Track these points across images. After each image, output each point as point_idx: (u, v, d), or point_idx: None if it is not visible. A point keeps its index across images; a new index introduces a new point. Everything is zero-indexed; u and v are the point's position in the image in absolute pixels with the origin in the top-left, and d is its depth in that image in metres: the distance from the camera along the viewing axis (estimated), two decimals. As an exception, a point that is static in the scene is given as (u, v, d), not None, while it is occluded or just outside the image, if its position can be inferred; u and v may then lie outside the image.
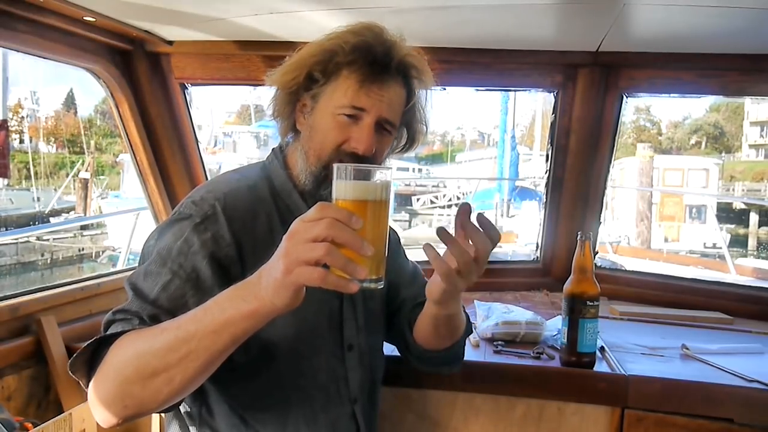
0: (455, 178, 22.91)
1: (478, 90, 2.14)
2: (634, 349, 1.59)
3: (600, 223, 2.19)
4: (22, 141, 23.28)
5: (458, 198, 19.74)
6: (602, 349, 1.53)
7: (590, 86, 1.95)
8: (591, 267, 1.38)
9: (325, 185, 1.05)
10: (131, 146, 2.08)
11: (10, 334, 1.54)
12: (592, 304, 1.35)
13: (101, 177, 20.17)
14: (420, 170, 28.05)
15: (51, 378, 1.58)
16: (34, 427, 1.33)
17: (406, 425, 1.48)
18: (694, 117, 38.26)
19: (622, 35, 1.72)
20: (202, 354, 0.80)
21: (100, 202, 15.79)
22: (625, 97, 1.99)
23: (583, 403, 1.41)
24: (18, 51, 1.60)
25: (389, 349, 1.41)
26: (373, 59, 1.02)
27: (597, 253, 2.40)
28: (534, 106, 18.76)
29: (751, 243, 21.08)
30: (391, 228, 0.92)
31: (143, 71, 1.96)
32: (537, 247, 2.32)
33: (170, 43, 1.93)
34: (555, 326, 1.60)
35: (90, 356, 0.88)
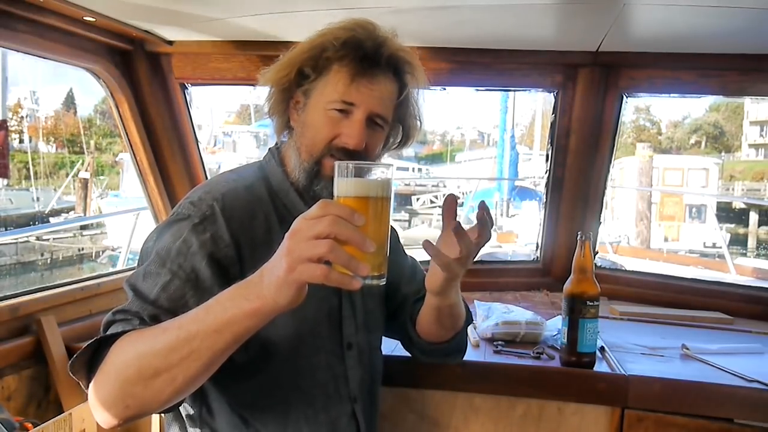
0: (455, 178, 22.90)
1: (477, 90, 2.14)
2: (634, 349, 1.59)
3: (600, 223, 2.19)
4: (21, 141, 23.24)
5: (458, 198, 19.71)
6: (602, 349, 1.53)
7: (590, 86, 1.95)
8: (591, 267, 1.38)
9: (317, 180, 1.06)
10: (131, 146, 2.08)
11: (10, 334, 1.54)
12: (592, 304, 1.35)
13: (101, 177, 20.16)
14: (420, 170, 28.05)
15: (51, 378, 1.58)
16: (34, 427, 1.33)
17: (406, 425, 1.48)
18: (694, 116, 38.29)
19: (622, 35, 1.72)
20: (204, 353, 0.80)
21: (99, 202, 15.77)
22: (625, 97, 1.99)
23: (583, 403, 1.41)
24: (18, 51, 1.60)
25: (389, 349, 1.41)
26: (363, 54, 1.03)
27: (597, 253, 2.40)
28: (534, 106, 18.78)
29: (751, 242, 21.09)
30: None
31: (143, 71, 1.96)
32: (537, 247, 2.32)
33: (170, 43, 1.93)
34: (555, 326, 1.60)
35: (90, 357, 0.88)
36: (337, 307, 1.12)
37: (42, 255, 14.45)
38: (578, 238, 1.38)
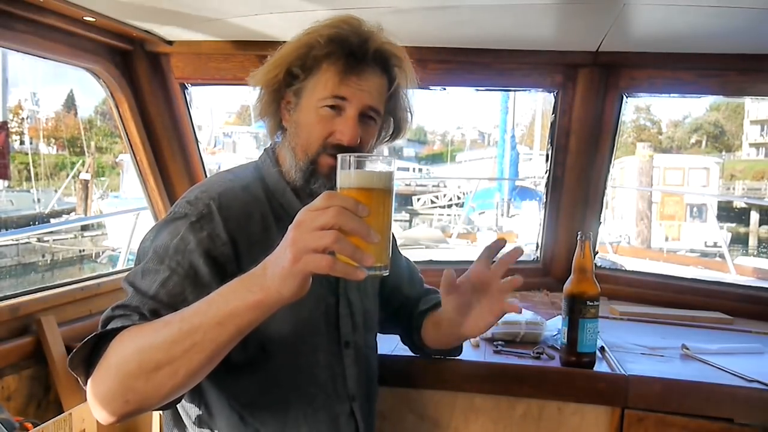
0: (455, 178, 22.92)
1: (477, 90, 2.14)
2: (634, 349, 1.59)
3: (600, 223, 2.19)
4: (22, 142, 23.24)
5: (458, 198, 19.74)
6: (602, 349, 1.53)
7: (590, 86, 1.95)
8: (591, 267, 1.38)
9: (314, 179, 1.06)
10: (131, 146, 2.08)
11: (10, 334, 1.54)
12: (592, 304, 1.35)
13: (102, 178, 20.16)
14: (420, 170, 28.08)
15: (51, 378, 1.58)
16: (34, 427, 1.33)
17: (406, 425, 1.48)
18: (695, 116, 38.26)
19: (622, 35, 1.72)
20: (207, 346, 0.79)
21: (100, 204, 15.77)
22: (625, 97, 1.99)
23: (583, 403, 1.41)
24: (18, 51, 1.60)
25: (389, 349, 1.41)
26: (350, 50, 1.03)
27: (597, 253, 2.40)
28: (534, 106, 18.80)
29: (752, 242, 21.08)
30: None
31: (143, 71, 1.96)
32: (537, 247, 2.32)
33: (170, 43, 1.93)
34: (555, 326, 1.60)
35: (89, 353, 0.87)
36: (334, 306, 1.12)
37: (43, 256, 14.44)
38: (578, 238, 1.38)
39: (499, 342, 1.57)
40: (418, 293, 1.36)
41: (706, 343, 1.63)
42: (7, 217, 15.83)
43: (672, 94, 2.01)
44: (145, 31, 1.83)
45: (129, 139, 2.06)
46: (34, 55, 1.63)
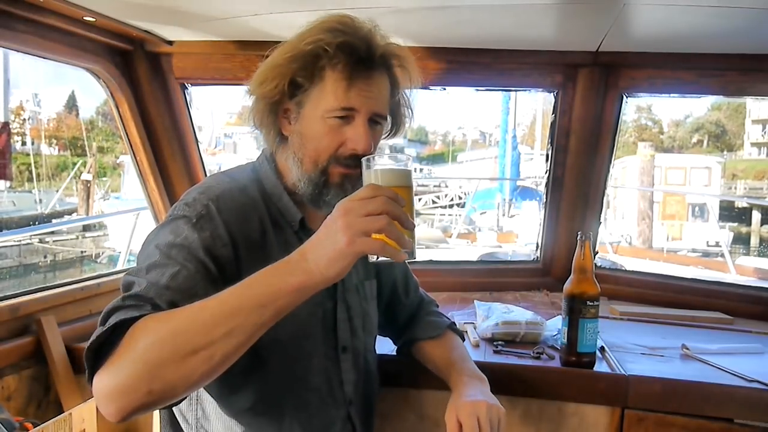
0: (457, 178, 22.90)
1: (477, 90, 2.14)
2: (634, 349, 1.59)
3: (600, 223, 2.19)
4: (24, 143, 23.24)
5: (459, 198, 19.72)
6: (602, 349, 1.53)
7: (590, 86, 1.95)
8: (591, 267, 1.37)
9: (326, 190, 1.04)
10: (131, 146, 2.08)
11: (10, 334, 1.54)
12: (592, 304, 1.35)
13: (103, 179, 20.17)
14: (421, 170, 28.05)
15: (51, 378, 1.58)
16: (34, 427, 1.33)
17: (406, 425, 1.48)
18: (696, 115, 38.22)
19: (622, 35, 1.72)
20: (248, 329, 0.80)
21: (101, 204, 15.77)
22: (625, 97, 1.99)
23: (583, 403, 1.41)
24: (18, 51, 1.60)
25: (389, 349, 1.41)
26: (357, 57, 1.01)
27: (597, 253, 2.40)
28: (535, 106, 18.78)
29: (754, 241, 21.06)
30: None
31: (143, 71, 1.96)
32: (537, 247, 2.31)
33: (170, 43, 1.93)
34: (555, 326, 1.60)
35: (100, 344, 0.83)
36: (332, 311, 1.12)
37: (44, 257, 14.45)
38: (578, 238, 1.38)
39: (499, 342, 1.57)
40: (411, 300, 1.37)
41: (706, 343, 1.62)
42: (8, 217, 15.84)
43: (672, 95, 2.01)
44: (146, 31, 1.83)
45: (129, 140, 2.06)
46: (34, 55, 1.64)
